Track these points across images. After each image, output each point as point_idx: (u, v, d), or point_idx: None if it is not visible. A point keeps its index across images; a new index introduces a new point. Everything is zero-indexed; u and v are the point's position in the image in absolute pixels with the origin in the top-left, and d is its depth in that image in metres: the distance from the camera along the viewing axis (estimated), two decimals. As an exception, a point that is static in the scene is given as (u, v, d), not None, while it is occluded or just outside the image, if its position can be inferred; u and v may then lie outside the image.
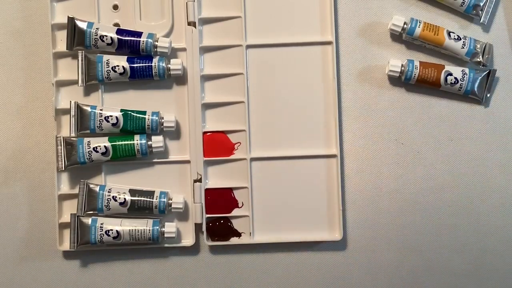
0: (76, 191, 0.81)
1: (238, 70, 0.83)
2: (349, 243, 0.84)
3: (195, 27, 0.82)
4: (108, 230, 0.80)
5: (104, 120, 0.80)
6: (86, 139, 0.80)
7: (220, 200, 0.83)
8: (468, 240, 0.84)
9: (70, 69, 0.83)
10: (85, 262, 0.84)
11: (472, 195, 0.84)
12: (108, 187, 0.81)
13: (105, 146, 0.80)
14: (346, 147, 0.84)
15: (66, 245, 0.82)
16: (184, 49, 0.83)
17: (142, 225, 0.80)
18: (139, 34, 0.81)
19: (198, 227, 0.83)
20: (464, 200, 0.84)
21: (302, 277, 0.84)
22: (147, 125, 0.81)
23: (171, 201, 0.81)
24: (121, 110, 0.81)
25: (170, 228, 0.81)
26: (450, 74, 0.81)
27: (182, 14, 0.83)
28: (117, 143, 0.80)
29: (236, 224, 0.83)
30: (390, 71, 0.82)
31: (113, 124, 0.81)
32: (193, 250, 0.84)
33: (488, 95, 0.83)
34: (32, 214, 0.84)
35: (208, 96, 0.83)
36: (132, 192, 0.81)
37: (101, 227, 0.80)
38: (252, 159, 0.83)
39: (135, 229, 0.80)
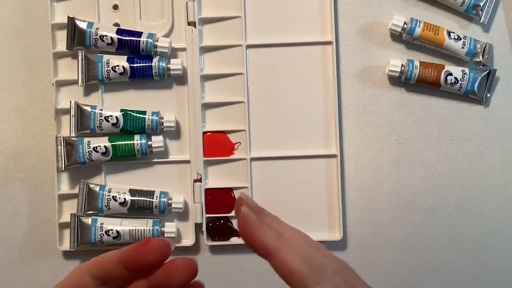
0: (76, 191, 0.81)
1: (238, 70, 0.83)
2: (349, 243, 0.84)
3: (195, 27, 0.82)
4: (108, 230, 0.80)
5: (104, 120, 0.80)
6: (86, 139, 0.80)
7: (220, 200, 0.83)
8: (468, 240, 0.84)
9: (70, 69, 0.83)
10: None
11: (472, 195, 0.84)
12: (108, 187, 0.81)
13: (105, 146, 0.80)
14: (346, 147, 0.84)
15: (66, 245, 0.82)
16: (184, 49, 0.83)
17: (142, 225, 0.80)
18: (139, 34, 0.81)
19: (198, 227, 0.83)
20: (464, 200, 0.84)
21: (302, 277, 0.84)
22: (147, 125, 0.81)
23: (171, 201, 0.81)
24: (121, 110, 0.81)
25: (170, 228, 0.81)
26: (450, 74, 0.81)
27: (182, 14, 0.83)
28: (117, 143, 0.80)
29: (236, 224, 0.83)
30: (390, 71, 0.82)
31: (113, 124, 0.81)
32: (193, 250, 0.84)
33: (488, 95, 0.83)
34: (32, 214, 0.84)
35: (208, 96, 0.83)
36: (132, 192, 0.81)
37: (101, 227, 0.80)
38: (252, 159, 0.83)
39: (135, 229, 0.80)
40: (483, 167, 0.84)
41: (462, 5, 0.81)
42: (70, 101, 0.80)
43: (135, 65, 0.80)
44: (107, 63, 0.80)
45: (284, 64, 0.83)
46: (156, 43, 0.81)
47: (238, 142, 0.83)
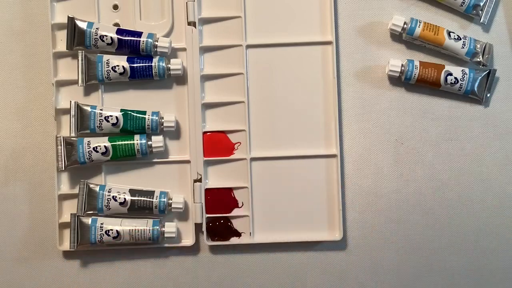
0: (76, 191, 0.81)
1: (238, 70, 0.83)
2: (349, 243, 0.84)
3: (195, 27, 0.82)
4: (108, 230, 0.80)
5: (104, 120, 0.80)
6: (86, 139, 0.80)
7: (220, 200, 0.83)
8: (467, 240, 0.84)
9: (70, 69, 0.83)
10: (85, 262, 0.84)
11: (472, 195, 0.84)
12: (108, 187, 0.81)
13: (105, 146, 0.80)
14: (346, 147, 0.84)
15: (66, 245, 0.82)
16: (184, 49, 0.83)
17: (142, 225, 0.80)
18: (139, 34, 0.81)
19: (198, 227, 0.83)
20: (464, 200, 0.84)
21: (302, 277, 0.84)
22: (147, 125, 0.81)
23: (171, 201, 0.81)
24: (121, 110, 0.81)
25: (170, 228, 0.81)
26: (450, 74, 0.81)
27: (182, 14, 0.83)
28: (117, 143, 0.80)
29: (236, 224, 0.83)
30: (390, 71, 0.82)
31: (113, 124, 0.81)
32: (193, 250, 0.84)
33: (488, 95, 0.83)
34: (32, 214, 0.84)
35: (208, 96, 0.83)
36: (132, 192, 0.81)
37: (101, 227, 0.80)
38: (252, 159, 0.83)
39: (135, 229, 0.80)
40: (483, 167, 0.84)
41: (462, 5, 0.81)
42: (70, 101, 0.80)
43: (135, 65, 0.80)
44: (107, 63, 0.80)
45: (284, 64, 0.83)
46: (156, 43, 0.81)
47: (238, 142, 0.83)
